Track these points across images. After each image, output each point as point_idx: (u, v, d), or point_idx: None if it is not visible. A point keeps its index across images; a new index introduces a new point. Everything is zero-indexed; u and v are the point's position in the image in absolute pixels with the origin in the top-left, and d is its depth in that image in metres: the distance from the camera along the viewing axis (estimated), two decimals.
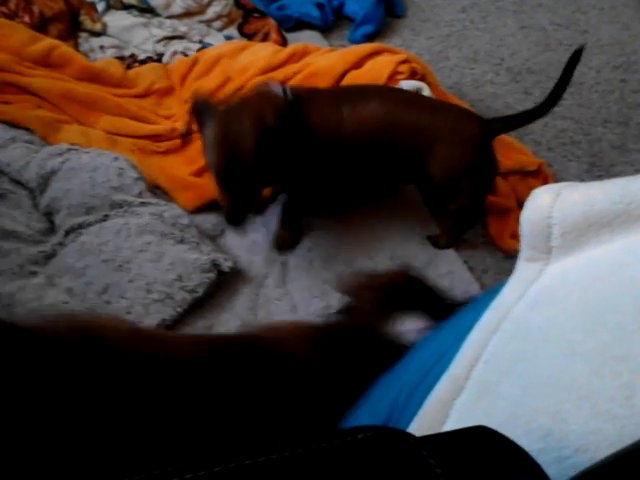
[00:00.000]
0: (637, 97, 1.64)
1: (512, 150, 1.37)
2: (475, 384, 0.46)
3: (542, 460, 0.35)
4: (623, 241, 0.42)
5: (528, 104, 1.62)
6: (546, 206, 0.46)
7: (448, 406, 0.47)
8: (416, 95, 1.22)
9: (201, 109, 1.01)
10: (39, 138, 1.27)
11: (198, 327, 1.03)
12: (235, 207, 1.00)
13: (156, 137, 1.34)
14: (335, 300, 1.08)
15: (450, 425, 0.46)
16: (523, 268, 0.47)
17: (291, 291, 1.10)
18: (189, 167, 1.27)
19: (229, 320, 1.05)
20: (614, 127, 1.54)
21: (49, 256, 1.07)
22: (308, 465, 0.29)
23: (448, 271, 1.12)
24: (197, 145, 1.31)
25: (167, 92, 1.47)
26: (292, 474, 0.28)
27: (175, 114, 1.42)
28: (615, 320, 0.38)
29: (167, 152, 1.32)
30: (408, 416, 0.50)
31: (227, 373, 0.60)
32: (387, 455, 0.31)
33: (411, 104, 1.07)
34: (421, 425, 0.48)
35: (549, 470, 0.34)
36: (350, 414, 0.65)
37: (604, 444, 0.34)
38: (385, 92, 1.14)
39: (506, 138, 1.41)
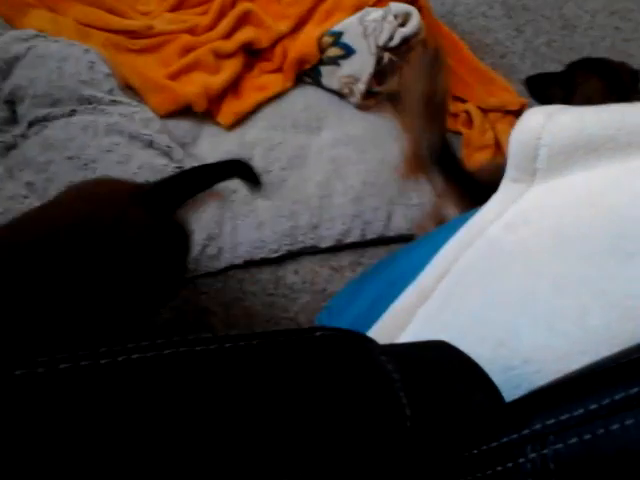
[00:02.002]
0: (628, 46, 1.61)
1: (497, 87, 1.35)
2: (440, 295, 0.47)
3: (491, 368, 0.36)
4: (607, 169, 0.42)
5: (518, 42, 1.58)
6: (537, 127, 0.45)
7: (410, 314, 0.48)
8: None
9: None
10: (3, 21, 1.19)
11: None
12: None
13: (131, 33, 1.26)
14: (303, 221, 1.07)
15: (409, 332, 0.47)
16: (506, 188, 0.47)
17: (259, 209, 1.08)
18: (164, 69, 1.21)
19: (195, 232, 1.03)
20: None
21: (9, 147, 1.02)
22: (263, 357, 0.28)
23: (420, 202, 1.11)
24: (174, 46, 1.25)
25: None
26: (247, 365, 0.27)
27: (153, 11, 1.34)
28: (586, 246, 0.39)
29: (142, 51, 1.25)
30: (371, 321, 0.51)
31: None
32: (345, 355, 0.31)
33: None
34: (381, 330, 0.49)
35: (496, 378, 0.36)
36: (318, 317, 0.66)
37: (551, 358, 0.36)
38: None
39: (492, 74, 1.38)
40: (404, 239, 1.08)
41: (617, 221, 0.39)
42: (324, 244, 1.06)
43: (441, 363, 0.37)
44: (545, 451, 0.27)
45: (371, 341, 0.33)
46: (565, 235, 0.41)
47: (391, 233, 1.08)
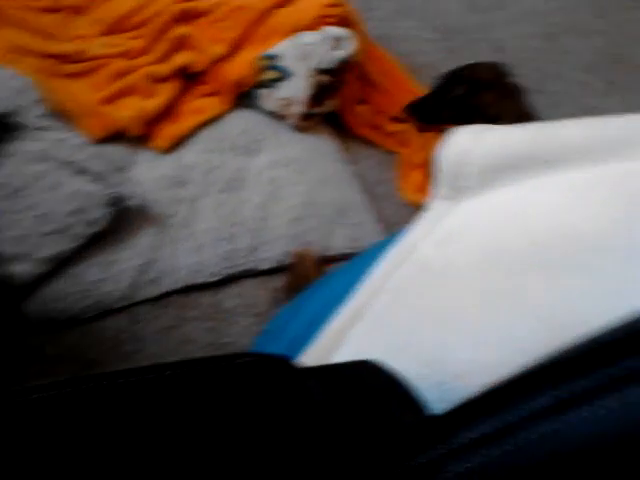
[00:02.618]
0: (554, 67, 1.68)
1: None
2: (373, 314, 0.47)
3: (425, 385, 0.37)
4: (527, 185, 0.43)
5: (452, 64, 1.63)
6: (465, 145, 0.46)
7: (344, 334, 0.48)
8: None
9: None
10: None
11: (96, 263, 0.98)
12: None
13: (63, 58, 1.24)
14: (243, 244, 1.06)
15: (343, 353, 0.47)
16: (435, 206, 0.48)
17: (197, 232, 1.07)
18: (98, 93, 1.19)
19: (131, 258, 1.01)
20: (531, 95, 1.57)
21: None
22: (184, 387, 0.28)
23: (359, 221, 1.12)
24: (107, 70, 1.23)
25: (79, 10, 1.36)
26: (166, 395, 0.27)
27: (86, 35, 1.32)
28: (507, 261, 0.40)
29: (75, 75, 1.23)
30: (306, 342, 0.51)
31: None
32: (267, 380, 0.30)
33: None
34: (315, 352, 0.49)
35: (429, 394, 0.36)
36: (253, 345, 0.65)
37: (480, 372, 0.36)
38: None
39: None
40: (344, 258, 1.08)
41: (534, 236, 0.40)
42: (264, 266, 1.06)
43: (365, 382, 0.37)
44: (469, 465, 0.27)
45: (294, 365, 0.33)
46: (490, 251, 0.42)
47: (331, 253, 1.08)
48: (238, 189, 1.13)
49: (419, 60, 1.60)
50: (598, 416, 0.24)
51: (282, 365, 0.33)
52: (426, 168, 1.22)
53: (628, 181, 0.38)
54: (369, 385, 0.36)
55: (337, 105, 1.30)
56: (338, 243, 1.09)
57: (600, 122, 0.43)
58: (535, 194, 0.43)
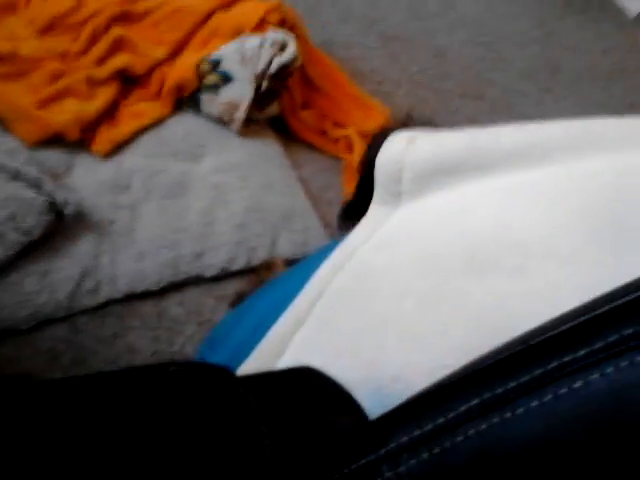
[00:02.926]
0: (493, 75, 1.73)
1: (375, 112, 1.39)
2: (315, 319, 0.47)
3: (364, 389, 0.37)
4: (462, 190, 0.44)
5: (394, 70, 1.65)
6: (399, 151, 0.47)
7: (287, 340, 0.48)
8: None
9: None
10: None
11: (32, 272, 0.95)
12: None
13: None
14: (186, 251, 1.04)
15: (287, 358, 0.47)
16: (374, 211, 0.49)
17: (138, 239, 1.04)
18: (32, 96, 1.15)
19: (68, 267, 0.98)
20: (470, 101, 1.61)
21: None
22: (117, 396, 0.27)
23: (304, 227, 1.12)
24: (42, 72, 1.19)
25: (11, 9, 1.31)
26: (97, 404, 0.26)
27: (19, 36, 1.27)
28: (444, 264, 0.41)
29: (7, 77, 1.18)
30: (250, 349, 0.50)
31: None
32: (201, 389, 0.30)
33: None
34: (259, 358, 0.49)
35: (369, 399, 0.36)
36: (198, 353, 0.64)
37: (418, 375, 0.37)
38: None
39: (370, 100, 1.43)
40: (289, 264, 1.08)
41: (469, 240, 0.41)
42: (209, 273, 1.04)
43: (302, 389, 0.37)
44: (400, 469, 0.27)
45: (229, 373, 0.33)
46: (426, 254, 0.43)
47: (274, 258, 1.07)
48: (181, 195, 1.11)
49: (362, 66, 1.62)
50: (519, 417, 0.25)
51: (216, 373, 0.33)
52: None
53: (566, 185, 0.39)
54: (306, 392, 0.36)
55: (281, 110, 1.30)
56: (284, 248, 1.09)
57: (534, 127, 0.45)
58: (469, 199, 0.43)
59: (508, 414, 0.25)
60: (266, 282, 0.90)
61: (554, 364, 0.25)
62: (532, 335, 0.28)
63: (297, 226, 1.12)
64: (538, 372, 0.25)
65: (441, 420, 0.27)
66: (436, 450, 0.26)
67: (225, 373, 0.32)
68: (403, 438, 0.28)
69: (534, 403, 0.25)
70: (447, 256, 0.41)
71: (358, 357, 0.42)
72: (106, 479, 0.24)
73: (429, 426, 0.27)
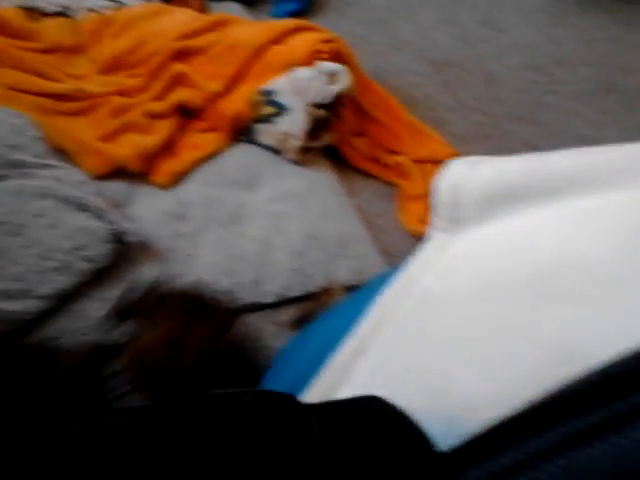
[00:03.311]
0: (547, 98, 1.70)
1: (427, 139, 1.39)
2: (378, 346, 0.46)
3: (431, 419, 0.36)
4: (526, 216, 0.43)
5: (447, 96, 1.65)
6: (459, 177, 0.46)
7: (350, 368, 0.47)
8: None
9: None
10: None
11: (97, 299, 0.97)
12: None
13: (62, 97, 1.25)
14: (244, 278, 1.05)
15: (350, 385, 0.46)
16: (434, 238, 0.48)
17: (198, 267, 1.06)
18: (96, 131, 1.20)
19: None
20: (525, 125, 1.59)
21: None
22: (193, 424, 0.27)
23: (360, 254, 1.12)
24: (106, 108, 1.24)
25: (76, 50, 1.38)
26: (176, 432, 0.26)
27: (85, 74, 1.34)
28: (511, 291, 0.40)
29: (73, 113, 1.24)
30: (312, 375, 0.50)
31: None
32: (273, 417, 0.30)
33: None
34: (321, 385, 0.49)
35: (436, 429, 0.35)
36: (262, 381, 0.65)
37: (486, 405, 0.36)
38: None
39: (422, 127, 1.43)
40: (347, 291, 1.08)
41: (538, 266, 0.40)
42: (266, 300, 1.05)
43: (371, 419, 0.36)
44: None
45: (299, 402, 0.33)
46: (492, 281, 0.42)
47: (333, 285, 1.07)
48: (238, 223, 1.13)
49: (414, 93, 1.62)
50: (608, 453, 0.23)
51: (287, 402, 0.33)
52: (426, 199, 1.22)
53: (631, 210, 0.38)
54: (374, 422, 0.36)
55: (334, 138, 1.31)
56: (341, 276, 1.08)
57: (599, 151, 0.44)
58: (533, 225, 0.43)
59: (596, 450, 0.24)
60: (325, 308, 0.89)
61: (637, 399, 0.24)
62: (620, 365, 0.27)
63: (353, 253, 1.12)
64: (619, 407, 0.24)
65: (522, 455, 0.26)
66: None
67: (296, 402, 0.32)
68: (481, 473, 0.27)
69: (624, 438, 0.24)
70: (513, 283, 0.40)
71: (423, 385, 0.41)
72: None
73: (509, 461, 0.26)
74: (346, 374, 0.48)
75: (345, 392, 0.47)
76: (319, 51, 1.32)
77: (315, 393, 0.49)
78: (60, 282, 0.93)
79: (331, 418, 0.32)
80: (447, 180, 0.49)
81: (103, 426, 0.26)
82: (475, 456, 0.28)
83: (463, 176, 0.47)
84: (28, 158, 1.07)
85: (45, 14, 1.41)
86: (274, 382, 0.70)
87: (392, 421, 0.36)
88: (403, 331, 0.46)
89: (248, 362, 0.82)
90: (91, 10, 1.45)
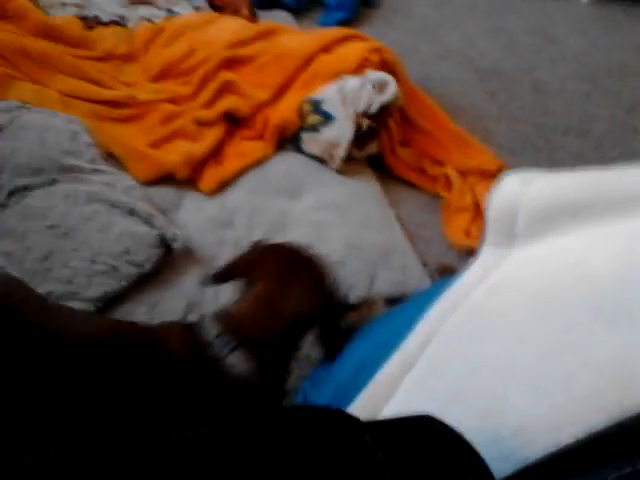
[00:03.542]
0: (598, 110, 1.67)
1: (473, 149, 1.37)
2: (425, 361, 0.46)
3: (480, 440, 0.35)
4: (585, 234, 0.42)
5: (492, 106, 1.63)
6: (514, 192, 0.46)
7: (397, 382, 0.47)
8: None
9: None
10: None
11: (142, 303, 0.99)
12: None
13: (114, 103, 1.29)
14: None
15: (396, 401, 0.46)
16: (486, 253, 0.48)
17: None
18: (146, 137, 1.23)
19: (176, 299, 1.02)
20: (574, 137, 1.56)
21: None
22: (246, 441, 0.28)
23: (402, 265, 1.11)
24: (156, 115, 1.27)
25: (129, 58, 1.42)
26: (232, 448, 0.27)
27: (136, 82, 1.37)
28: (569, 312, 0.39)
29: (124, 120, 1.27)
30: (355, 389, 0.50)
31: (120, 358, 0.62)
32: (329, 435, 0.30)
33: None
34: (367, 400, 0.48)
35: (485, 450, 0.34)
36: (302, 387, 0.65)
37: (540, 429, 0.35)
38: None
39: (469, 137, 1.41)
40: (389, 303, 1.07)
41: (598, 287, 0.39)
42: None
43: (427, 440, 0.36)
44: None
45: (354, 419, 0.32)
46: (547, 300, 0.41)
47: (374, 297, 1.07)
48: (281, 231, 1.14)
49: (460, 102, 1.61)
50: None
51: (342, 419, 0.33)
52: (471, 212, 1.21)
53: None
54: (431, 444, 0.35)
55: (379, 148, 1.31)
56: (381, 287, 1.08)
57: None
58: (594, 243, 0.41)
59: None
60: (366, 320, 0.88)
61: None
62: None
63: (395, 264, 1.12)
64: None
65: None
66: None
67: (351, 420, 0.32)
68: None
69: None
70: (572, 303, 0.39)
71: (473, 404, 0.40)
72: None
73: None
74: (392, 390, 0.47)
75: (391, 408, 0.47)
76: (367, 60, 1.33)
77: (360, 408, 0.49)
78: (107, 285, 0.96)
79: (388, 438, 0.32)
80: (502, 195, 0.48)
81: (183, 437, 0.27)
82: None
83: (518, 191, 0.46)
84: (81, 163, 1.10)
85: (101, 23, 1.46)
86: (312, 394, 0.70)
87: (450, 444, 0.35)
88: (451, 347, 0.46)
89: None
90: (145, 19, 1.48)
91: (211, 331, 0.70)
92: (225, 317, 0.73)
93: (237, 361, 0.68)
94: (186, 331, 0.71)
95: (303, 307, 0.73)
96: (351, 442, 0.31)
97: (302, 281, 0.76)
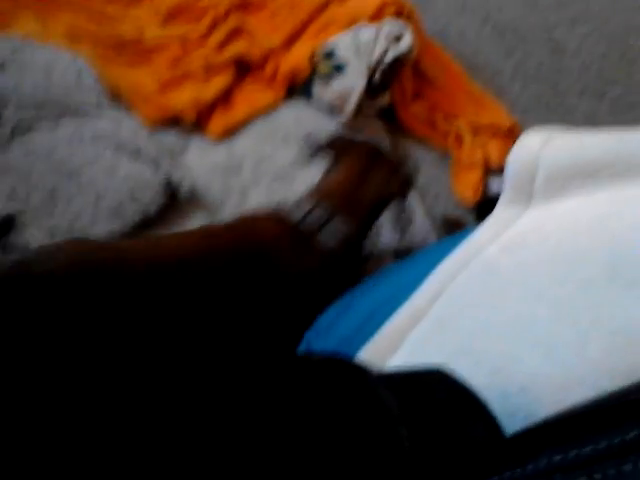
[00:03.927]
0: (614, 73, 1.63)
1: (487, 106, 1.35)
2: (433, 316, 0.45)
3: (486, 394, 0.35)
4: (605, 195, 0.41)
5: (508, 64, 1.59)
6: (535, 149, 0.44)
7: (403, 336, 0.46)
8: None
9: None
10: None
11: None
12: None
13: (122, 44, 1.26)
14: None
15: (402, 354, 0.46)
16: (503, 210, 0.47)
17: None
18: (153, 79, 1.20)
19: None
20: (589, 99, 1.53)
21: None
22: (264, 383, 0.28)
23: (409, 218, 1.10)
24: (164, 57, 1.24)
25: (136, 1, 1.37)
26: (251, 397, 0.27)
27: (143, 24, 1.33)
28: (585, 272, 0.38)
29: (132, 61, 1.24)
30: (360, 340, 0.50)
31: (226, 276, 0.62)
32: (343, 385, 0.30)
33: None
34: (372, 351, 0.48)
35: (493, 405, 0.34)
36: (306, 336, 0.65)
37: (549, 388, 0.34)
38: None
39: (483, 94, 1.39)
40: (396, 255, 1.07)
41: (616, 248, 0.38)
42: None
43: (439, 393, 0.35)
44: None
45: (367, 370, 0.32)
46: (564, 260, 0.40)
47: (380, 247, 1.07)
48: (289, 180, 1.12)
49: (475, 59, 1.57)
50: None
51: (356, 369, 0.33)
52: (480, 169, 1.19)
53: None
54: (443, 396, 0.35)
55: (391, 100, 1.28)
56: (388, 240, 1.07)
57: None
58: (615, 205, 0.40)
59: None
60: (373, 273, 0.89)
61: None
62: None
63: (403, 218, 1.10)
64: None
65: (604, 444, 0.24)
66: (597, 476, 0.24)
67: (365, 370, 0.31)
68: (556, 457, 0.26)
69: None
70: (588, 263, 0.38)
71: (482, 360, 0.40)
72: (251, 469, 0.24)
73: (589, 448, 0.25)
74: (398, 343, 0.47)
75: (395, 361, 0.47)
76: (384, 10, 1.29)
77: (364, 359, 0.49)
78: (111, 225, 0.95)
79: (402, 389, 0.31)
80: (522, 152, 0.47)
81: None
82: (553, 440, 0.27)
83: (539, 149, 0.45)
84: (86, 103, 1.08)
85: None
86: (316, 342, 0.70)
87: (461, 397, 0.35)
88: (461, 303, 0.45)
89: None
90: None
91: (305, 206, 0.76)
92: (317, 191, 0.81)
93: (332, 230, 0.73)
94: (279, 221, 0.75)
95: (383, 189, 0.84)
96: (365, 392, 0.31)
97: (382, 169, 0.87)
